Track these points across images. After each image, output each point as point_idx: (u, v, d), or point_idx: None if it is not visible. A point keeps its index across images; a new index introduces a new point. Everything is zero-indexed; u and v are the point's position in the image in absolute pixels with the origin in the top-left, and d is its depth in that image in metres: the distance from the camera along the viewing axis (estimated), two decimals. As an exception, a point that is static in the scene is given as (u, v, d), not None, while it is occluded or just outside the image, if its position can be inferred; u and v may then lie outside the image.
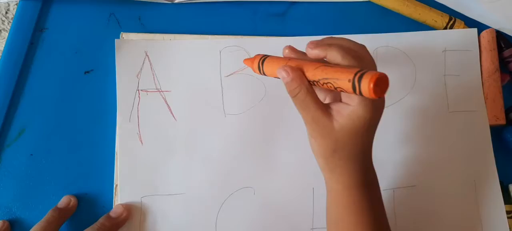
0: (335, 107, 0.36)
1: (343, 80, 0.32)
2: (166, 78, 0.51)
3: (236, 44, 0.53)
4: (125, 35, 0.52)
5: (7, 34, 0.53)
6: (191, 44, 0.52)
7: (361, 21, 0.56)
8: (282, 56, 0.41)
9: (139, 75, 0.51)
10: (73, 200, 0.47)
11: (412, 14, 0.55)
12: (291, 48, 0.40)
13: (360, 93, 0.31)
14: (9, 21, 0.50)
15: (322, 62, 0.36)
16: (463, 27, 0.55)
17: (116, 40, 0.51)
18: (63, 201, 0.47)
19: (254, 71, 0.42)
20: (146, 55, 0.51)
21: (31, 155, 0.49)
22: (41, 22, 0.53)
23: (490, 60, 0.53)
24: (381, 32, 0.54)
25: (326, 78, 0.34)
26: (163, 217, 0.48)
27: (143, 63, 0.51)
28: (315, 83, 0.35)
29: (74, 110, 0.50)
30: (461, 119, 0.52)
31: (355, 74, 0.31)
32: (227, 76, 0.52)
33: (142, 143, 0.49)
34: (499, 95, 0.52)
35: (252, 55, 0.52)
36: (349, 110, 0.35)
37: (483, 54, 0.54)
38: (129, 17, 0.54)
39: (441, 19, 0.55)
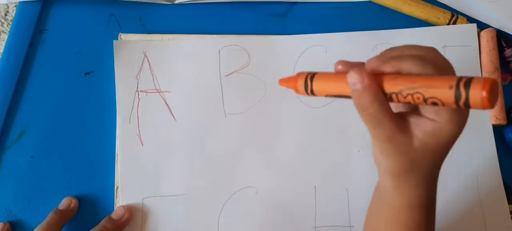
0: (415, 121, 0.30)
1: (441, 88, 0.26)
2: (165, 78, 0.51)
3: (235, 43, 0.52)
4: (123, 36, 0.52)
5: (6, 36, 0.53)
6: (189, 44, 0.52)
7: (362, 20, 0.56)
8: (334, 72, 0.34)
9: (138, 76, 0.51)
10: (74, 202, 0.47)
11: (414, 12, 0.55)
12: (346, 63, 0.33)
13: (465, 104, 0.26)
14: (8, 23, 0.50)
15: (398, 73, 0.29)
16: (466, 24, 0.55)
17: (114, 41, 0.51)
18: (64, 203, 0.47)
19: (297, 92, 0.35)
20: (145, 56, 0.51)
21: (32, 156, 0.49)
22: (41, 23, 0.53)
23: (489, 59, 0.53)
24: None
25: (413, 88, 0.27)
26: (165, 218, 0.48)
27: (142, 64, 0.51)
28: (393, 96, 0.29)
29: (74, 112, 0.50)
30: (462, 116, 0.52)
31: (459, 81, 0.26)
32: (227, 75, 0.52)
33: (142, 144, 0.49)
34: (499, 95, 0.52)
35: (252, 54, 0.52)
36: (434, 127, 0.29)
37: (482, 54, 0.54)
38: (129, 18, 0.54)
39: (443, 16, 0.55)
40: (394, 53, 0.31)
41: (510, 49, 0.54)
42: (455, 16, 0.55)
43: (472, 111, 0.53)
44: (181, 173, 0.49)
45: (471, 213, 0.50)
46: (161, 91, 0.51)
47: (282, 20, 0.56)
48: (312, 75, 0.34)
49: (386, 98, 0.29)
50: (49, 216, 0.45)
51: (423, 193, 0.33)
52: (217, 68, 0.52)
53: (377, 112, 0.29)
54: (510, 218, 0.49)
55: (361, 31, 0.53)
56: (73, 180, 0.49)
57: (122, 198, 0.48)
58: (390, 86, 0.29)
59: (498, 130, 0.52)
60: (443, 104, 0.27)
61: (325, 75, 0.33)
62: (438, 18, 0.55)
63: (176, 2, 0.54)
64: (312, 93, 0.34)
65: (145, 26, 0.54)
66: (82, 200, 0.48)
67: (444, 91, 0.26)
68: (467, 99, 0.25)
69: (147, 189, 0.48)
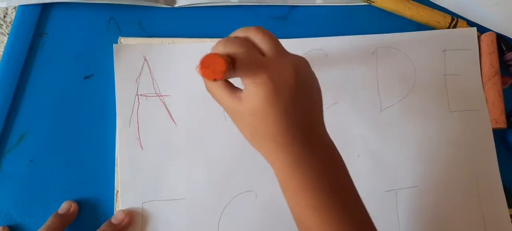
0: (242, 93, 0.35)
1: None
2: (165, 82, 0.51)
3: (235, 47, 0.52)
4: (123, 40, 0.52)
5: (5, 38, 0.53)
6: (189, 48, 0.52)
7: (362, 24, 0.56)
8: None
9: (138, 80, 0.51)
10: (73, 206, 0.47)
11: (414, 16, 0.55)
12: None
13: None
14: (8, 25, 0.50)
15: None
16: (466, 27, 0.55)
17: (114, 45, 0.51)
18: (64, 207, 0.47)
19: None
20: (145, 59, 0.51)
21: (31, 160, 0.49)
22: (41, 27, 0.52)
23: (489, 63, 0.53)
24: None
25: None
26: (165, 223, 0.47)
27: (142, 68, 0.51)
28: None
29: (74, 116, 0.50)
30: (462, 119, 0.52)
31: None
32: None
33: (142, 148, 0.49)
34: (499, 98, 0.52)
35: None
36: (246, 92, 0.34)
37: (482, 58, 0.54)
38: (129, 21, 0.53)
39: (443, 20, 0.55)
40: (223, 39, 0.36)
41: (510, 53, 0.54)
42: (455, 20, 0.55)
43: (471, 115, 0.54)
44: (181, 177, 0.49)
45: (471, 217, 0.50)
46: (161, 95, 0.51)
47: (282, 23, 0.56)
48: None
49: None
50: (49, 220, 0.45)
51: (280, 155, 0.35)
52: (217, 72, 0.52)
53: (213, 88, 0.36)
54: (510, 222, 0.49)
55: (362, 35, 0.53)
56: (73, 184, 0.48)
57: (122, 202, 0.48)
58: None
59: (498, 134, 0.52)
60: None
61: None
62: (438, 22, 0.55)
63: (176, 5, 0.54)
64: None
65: (145, 29, 0.54)
66: (82, 204, 0.48)
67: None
68: (198, 73, 0.31)
69: (147, 193, 0.48)
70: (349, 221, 0.35)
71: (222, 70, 0.31)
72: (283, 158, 0.35)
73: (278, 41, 0.36)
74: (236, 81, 0.36)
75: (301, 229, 0.37)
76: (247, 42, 0.35)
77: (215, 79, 0.31)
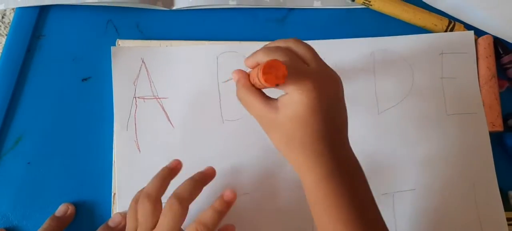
0: (280, 100, 0.36)
1: (257, 72, 0.34)
2: (163, 85, 0.51)
3: (233, 49, 0.52)
4: (121, 42, 0.52)
5: (3, 39, 0.53)
6: (187, 50, 0.52)
7: (360, 27, 0.56)
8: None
9: (135, 82, 0.51)
10: (71, 208, 0.47)
11: (412, 19, 0.55)
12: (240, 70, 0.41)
13: (265, 86, 0.33)
14: (6, 26, 0.50)
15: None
16: (463, 30, 0.55)
17: (112, 47, 0.51)
18: (61, 210, 0.47)
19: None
20: (143, 62, 0.51)
21: (29, 163, 0.49)
22: (39, 29, 0.52)
23: (486, 66, 0.53)
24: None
25: (256, 75, 0.35)
26: (161, 225, 0.47)
27: (139, 70, 0.51)
28: (256, 84, 0.37)
29: (71, 118, 0.50)
30: (459, 121, 0.52)
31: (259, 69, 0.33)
32: (225, 82, 0.52)
33: (139, 150, 0.49)
34: (495, 101, 0.52)
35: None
36: (288, 98, 0.35)
37: (479, 61, 0.54)
38: (127, 24, 0.54)
39: (440, 23, 0.55)
40: (263, 48, 0.38)
41: (507, 56, 0.54)
42: (452, 23, 0.55)
43: (468, 118, 0.54)
44: (178, 179, 0.49)
45: (467, 220, 0.50)
46: (159, 98, 0.51)
47: (280, 26, 0.56)
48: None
49: (255, 86, 0.38)
50: (46, 223, 0.45)
51: (315, 165, 0.35)
52: (215, 75, 0.52)
53: (246, 97, 0.37)
54: (507, 225, 0.49)
55: (359, 38, 0.54)
56: (70, 186, 0.48)
57: (119, 205, 0.47)
58: (251, 77, 0.38)
59: (494, 137, 0.52)
60: (264, 85, 0.34)
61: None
62: (436, 25, 0.55)
63: (174, 8, 0.54)
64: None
65: (143, 32, 0.54)
66: (79, 207, 0.48)
67: (257, 74, 0.34)
68: (261, 82, 0.33)
69: (144, 196, 0.48)
70: None
71: (284, 75, 0.32)
72: (318, 168, 0.35)
73: (317, 53, 0.38)
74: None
75: None
76: (290, 51, 0.37)
77: (277, 85, 0.32)
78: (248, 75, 0.39)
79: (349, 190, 0.36)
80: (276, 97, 0.37)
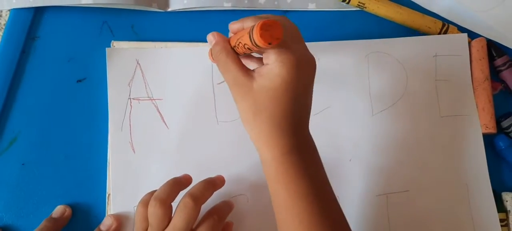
0: (258, 70, 0.36)
1: (245, 36, 0.34)
2: (158, 86, 0.51)
3: (228, 51, 0.52)
4: (116, 44, 0.52)
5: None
6: (182, 52, 0.52)
7: (354, 29, 0.56)
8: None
9: (130, 83, 0.51)
10: (68, 210, 0.47)
11: (406, 21, 0.55)
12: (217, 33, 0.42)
13: (256, 44, 0.32)
14: (1, 27, 0.50)
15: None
16: (456, 33, 0.55)
17: (107, 49, 0.51)
18: (58, 211, 0.47)
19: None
20: (138, 63, 0.51)
21: (23, 164, 0.49)
22: (33, 30, 0.53)
23: (479, 69, 0.53)
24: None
25: (238, 39, 0.36)
26: (156, 226, 0.47)
27: (134, 72, 0.51)
28: (236, 48, 0.38)
29: (66, 119, 0.50)
30: (452, 123, 0.52)
31: (252, 27, 0.33)
32: (219, 83, 0.52)
33: (134, 152, 0.49)
34: (489, 104, 0.52)
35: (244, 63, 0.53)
36: (267, 69, 0.35)
37: (473, 63, 0.54)
38: (122, 25, 0.54)
39: (434, 25, 0.55)
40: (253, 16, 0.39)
41: (500, 58, 0.54)
42: (446, 25, 0.55)
43: (462, 120, 0.54)
44: (173, 180, 0.49)
45: (461, 221, 0.50)
46: (154, 99, 0.51)
47: (275, 28, 0.56)
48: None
49: (234, 51, 0.38)
50: (42, 224, 0.45)
51: (280, 140, 0.36)
52: (209, 76, 0.52)
53: (224, 60, 0.37)
54: (500, 226, 0.50)
55: (353, 40, 0.54)
56: (64, 187, 0.49)
57: (114, 206, 0.48)
58: (232, 41, 0.38)
59: (488, 139, 0.53)
60: (250, 49, 0.35)
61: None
62: (429, 28, 0.55)
63: (169, 9, 0.54)
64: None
65: (138, 33, 0.54)
66: (73, 208, 0.48)
67: (246, 37, 0.34)
68: (253, 39, 0.32)
69: (139, 197, 0.47)
70: (332, 216, 0.37)
71: (278, 37, 0.32)
72: (281, 144, 0.36)
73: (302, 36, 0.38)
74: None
75: (286, 217, 0.37)
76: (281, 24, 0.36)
77: (269, 44, 0.32)
78: (228, 39, 0.40)
79: (309, 167, 0.37)
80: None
